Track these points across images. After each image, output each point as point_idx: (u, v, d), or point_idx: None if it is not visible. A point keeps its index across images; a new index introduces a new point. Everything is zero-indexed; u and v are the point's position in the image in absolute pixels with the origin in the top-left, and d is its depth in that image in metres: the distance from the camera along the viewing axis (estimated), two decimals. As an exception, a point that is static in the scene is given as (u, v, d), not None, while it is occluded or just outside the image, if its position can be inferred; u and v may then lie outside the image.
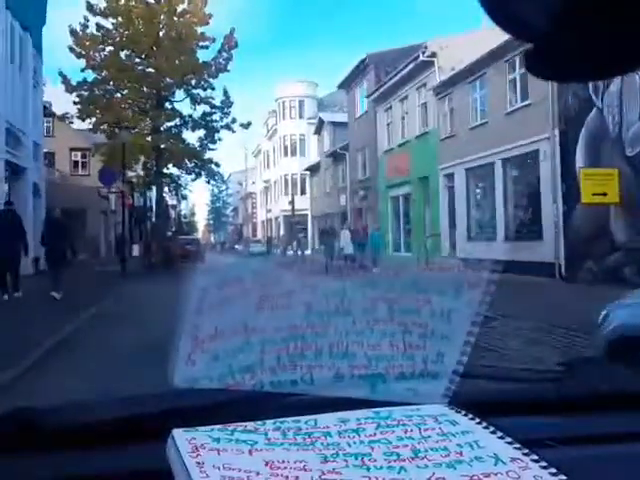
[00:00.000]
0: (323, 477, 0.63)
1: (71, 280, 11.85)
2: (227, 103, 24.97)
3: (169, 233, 43.90)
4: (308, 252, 34.68)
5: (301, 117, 50.31)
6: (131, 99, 24.02)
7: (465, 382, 0.84)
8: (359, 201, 28.89)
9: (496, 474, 0.64)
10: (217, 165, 25.87)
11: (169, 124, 24.60)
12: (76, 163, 34.68)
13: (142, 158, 24.78)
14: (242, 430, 0.73)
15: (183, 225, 78.82)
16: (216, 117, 24.92)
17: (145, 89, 24.23)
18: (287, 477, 0.63)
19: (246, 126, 25.30)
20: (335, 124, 34.55)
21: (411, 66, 21.41)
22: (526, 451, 0.68)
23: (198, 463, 0.65)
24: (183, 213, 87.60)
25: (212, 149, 25.31)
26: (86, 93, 23.90)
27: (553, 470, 0.65)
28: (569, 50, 0.40)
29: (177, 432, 0.71)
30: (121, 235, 19.22)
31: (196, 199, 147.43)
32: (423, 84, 21.55)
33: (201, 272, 0.98)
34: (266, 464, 0.65)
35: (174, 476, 0.66)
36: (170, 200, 78.13)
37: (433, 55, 19.98)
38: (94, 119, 24.10)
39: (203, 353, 0.83)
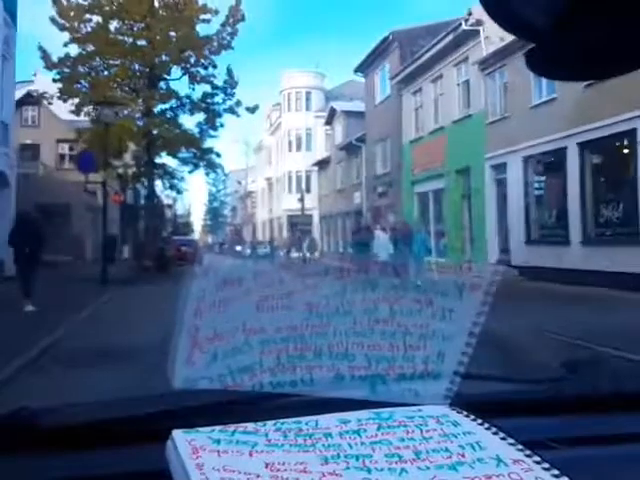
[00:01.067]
0: (324, 479, 0.63)
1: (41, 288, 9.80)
2: (231, 83, 21.66)
3: (164, 233, 40.79)
4: (316, 254, 31.37)
5: (308, 110, 47.08)
6: (120, 77, 20.65)
7: (467, 383, 0.83)
8: (378, 199, 25.61)
9: (498, 476, 0.64)
10: (218, 155, 22.58)
11: (163, 106, 21.30)
12: (63, 156, 31.40)
13: (131, 145, 21.41)
14: (242, 431, 0.73)
15: (179, 225, 75.95)
16: (218, 99, 21.66)
17: (136, 66, 20.93)
18: (287, 479, 0.63)
19: (252, 110, 21.99)
20: (349, 114, 31.24)
21: (449, 38, 18.16)
22: (528, 452, 0.68)
23: (198, 464, 0.64)
24: (179, 213, 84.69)
25: (212, 136, 22.04)
26: (68, 70, 20.60)
27: (555, 472, 0.64)
28: (569, 50, 0.41)
29: (177, 433, 0.71)
30: (104, 234, 15.87)
31: (193, 198, 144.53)
32: (464, 59, 18.31)
33: (201, 275, 0.95)
34: (266, 466, 0.65)
35: (173, 478, 0.66)
36: (166, 199, 75.22)
37: (478, 23, 16.67)
38: (77, 100, 20.80)
39: (203, 354, 0.82)
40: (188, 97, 21.50)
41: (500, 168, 16.22)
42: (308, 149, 46.68)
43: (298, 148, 47.05)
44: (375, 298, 0.92)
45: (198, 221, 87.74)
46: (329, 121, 34.76)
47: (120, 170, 21.30)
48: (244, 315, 0.88)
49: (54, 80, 20.66)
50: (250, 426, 0.74)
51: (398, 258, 15.21)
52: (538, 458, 0.67)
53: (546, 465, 0.65)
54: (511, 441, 0.71)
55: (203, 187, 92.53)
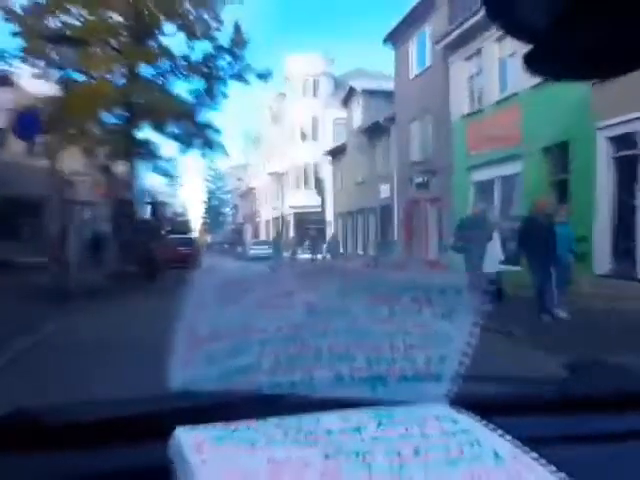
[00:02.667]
0: (324, 474, 0.64)
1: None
2: (239, 42, 17.15)
3: (161, 232, 36.28)
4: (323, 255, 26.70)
5: (315, 97, 42.57)
6: (98, 30, 16.11)
7: (467, 383, 0.83)
8: (415, 191, 21.05)
9: (496, 472, 0.65)
10: (217, 132, 18.00)
11: (152, 70, 16.78)
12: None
13: (107, 116, 16.85)
14: (244, 428, 0.74)
15: (177, 224, 71.28)
16: (222, 62, 17.14)
17: (120, 18, 16.40)
18: (289, 474, 0.64)
19: (264, 77, 17.48)
20: (371, 93, 26.61)
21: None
22: (527, 450, 0.69)
23: (201, 461, 0.65)
24: (177, 211, 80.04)
25: (213, 108, 17.51)
26: (33, 22, 16.04)
27: (554, 469, 0.65)
28: (569, 50, 0.41)
29: (180, 430, 0.72)
30: (59, 228, 11.44)
31: (191, 197, 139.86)
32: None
33: (201, 275, 0.95)
34: (268, 461, 0.66)
35: (177, 475, 0.67)
36: (161, 196, 70.70)
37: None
38: (43, 61, 16.26)
39: (204, 353, 0.82)
40: (185, 58, 16.97)
41: (622, 141, 11.65)
42: (315, 139, 42.22)
43: (304, 139, 42.58)
44: (375, 298, 0.91)
45: (197, 220, 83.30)
46: (345, 102, 30.08)
47: (90, 146, 16.61)
48: (245, 315, 0.87)
49: (14, 34, 16.11)
50: (252, 423, 0.75)
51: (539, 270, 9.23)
52: (537, 455, 0.68)
53: (544, 462, 0.66)
54: (510, 439, 0.71)
55: (200, 185, 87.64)
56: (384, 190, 24.39)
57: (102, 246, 21.44)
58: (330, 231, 32.86)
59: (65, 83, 15.47)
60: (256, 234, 56.69)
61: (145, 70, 16.42)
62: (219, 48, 16.94)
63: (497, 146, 15.70)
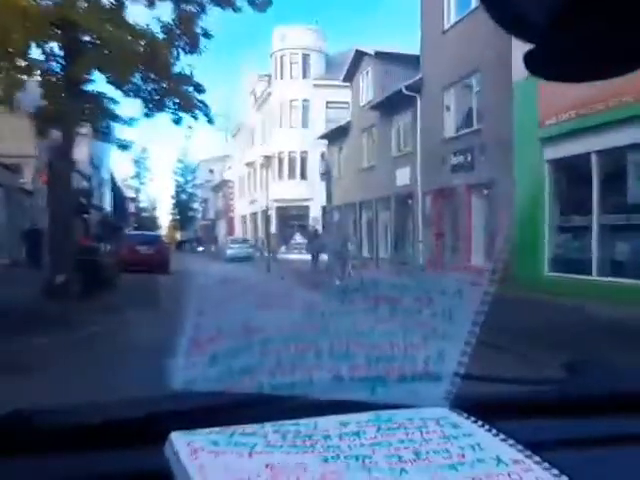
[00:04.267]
0: (324, 479, 0.63)
1: None
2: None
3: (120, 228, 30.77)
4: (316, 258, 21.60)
5: (305, 77, 37.56)
6: None
7: (467, 384, 0.83)
8: (453, 175, 16.25)
9: (498, 476, 0.64)
10: (199, 89, 12.84)
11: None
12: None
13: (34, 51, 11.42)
14: (241, 433, 0.73)
15: (143, 220, 65.47)
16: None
17: None
18: (288, 479, 0.63)
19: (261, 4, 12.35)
20: (385, 57, 21.63)
21: None
22: (528, 453, 0.68)
23: (197, 466, 0.64)
24: (143, 205, 74.09)
25: (190, 51, 12.33)
26: None
27: (556, 472, 0.64)
28: (569, 50, 0.41)
29: (175, 435, 0.71)
30: None
31: (158, 192, 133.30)
32: None
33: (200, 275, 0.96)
34: (266, 467, 0.65)
35: (173, 479, 0.66)
36: (127, 190, 64.86)
37: None
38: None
39: (202, 355, 0.82)
40: (148, -27, 11.76)
41: None
42: (305, 126, 37.23)
43: (293, 125, 37.56)
44: (375, 298, 0.91)
45: (166, 216, 77.39)
46: (350, 75, 25.10)
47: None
48: (244, 316, 0.87)
49: None
50: (249, 427, 0.74)
51: None
52: (538, 459, 0.67)
53: (546, 465, 0.65)
54: (511, 442, 0.71)
55: (170, 178, 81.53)
56: (402, 176, 19.56)
57: (34, 248, 16.18)
58: (319, 228, 27.80)
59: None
60: (230, 231, 51.43)
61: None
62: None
63: (589, 110, 11.02)
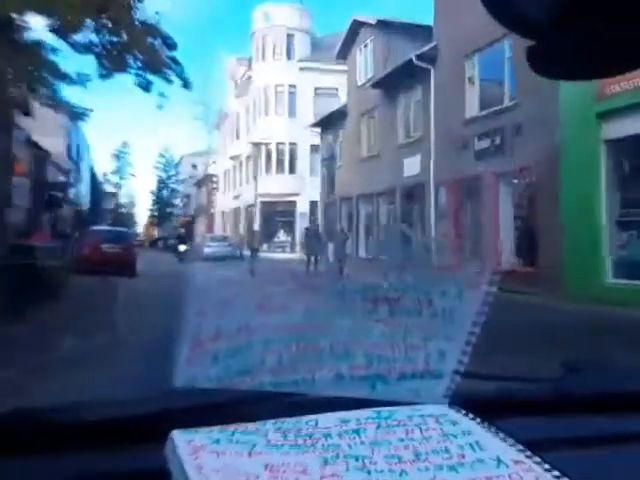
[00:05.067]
0: None
1: None
2: None
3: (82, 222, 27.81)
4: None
5: (289, 58, 34.74)
6: None
7: (466, 382, 0.83)
8: (475, 162, 13.62)
9: (498, 477, 0.63)
10: (168, 43, 10.01)
11: None
12: None
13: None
14: (242, 431, 0.73)
15: (121, 216, 62.11)
16: None
17: None
18: None
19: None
20: (388, 27, 18.78)
21: None
22: (529, 453, 0.68)
23: (197, 465, 0.64)
24: (122, 201, 70.76)
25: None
26: None
27: (556, 472, 0.64)
28: (570, 49, 0.42)
29: (176, 433, 0.71)
30: None
31: (139, 188, 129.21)
32: None
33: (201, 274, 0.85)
34: (266, 467, 0.65)
35: (173, 478, 0.66)
36: (107, 186, 61.38)
37: None
38: None
39: (203, 353, 0.82)
40: None
41: None
42: (292, 114, 34.45)
43: (279, 112, 34.71)
44: (375, 298, 0.91)
45: (145, 213, 74.01)
46: (346, 46, 22.19)
47: None
48: (245, 314, 0.87)
49: None
50: (250, 426, 0.74)
51: None
52: (539, 459, 0.66)
53: (547, 466, 0.65)
54: (511, 441, 0.70)
55: (151, 172, 77.84)
56: (411, 165, 16.90)
57: None
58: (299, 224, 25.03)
59: None
60: (210, 228, 48.45)
61: None
62: None
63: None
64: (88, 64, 9.98)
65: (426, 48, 15.52)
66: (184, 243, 29.55)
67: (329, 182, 19.63)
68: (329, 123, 24.14)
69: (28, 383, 4.12)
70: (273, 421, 0.75)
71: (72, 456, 0.74)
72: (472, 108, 14.12)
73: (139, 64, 9.90)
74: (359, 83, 20.97)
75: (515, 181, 12.80)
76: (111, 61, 9.85)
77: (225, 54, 45.52)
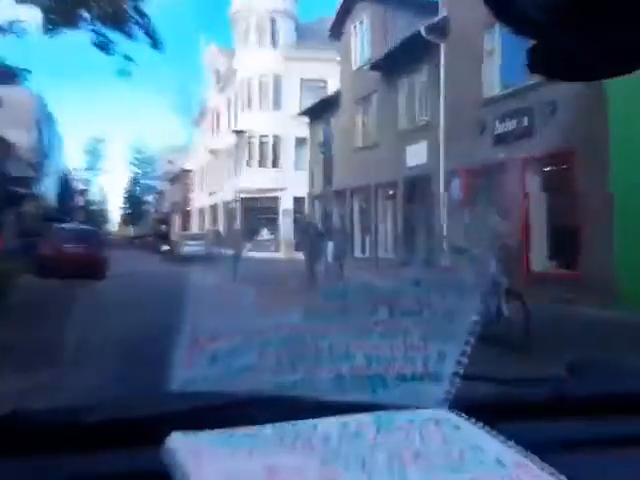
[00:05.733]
0: None
1: None
2: None
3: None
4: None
5: (274, 46, 32.71)
6: None
7: (466, 385, 0.82)
8: (493, 148, 11.87)
9: (499, 478, 0.64)
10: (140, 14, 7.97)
11: None
12: None
13: None
14: (241, 434, 0.72)
15: (92, 214, 59.44)
16: None
17: None
18: None
19: None
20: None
21: None
22: (530, 456, 0.68)
23: (196, 468, 0.64)
24: (93, 199, 67.86)
25: None
26: None
27: (557, 475, 0.64)
28: (570, 49, 0.42)
29: (175, 436, 0.71)
30: None
31: (111, 184, 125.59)
32: None
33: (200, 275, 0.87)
34: (264, 470, 0.64)
35: None
36: (77, 182, 58.62)
37: None
38: None
39: (201, 355, 0.82)
40: None
41: None
42: (277, 106, 32.43)
43: (263, 106, 32.64)
44: (375, 298, 0.90)
45: (118, 211, 71.19)
46: (338, 24, 20.17)
47: None
48: (243, 316, 0.87)
49: None
50: (249, 429, 0.73)
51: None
52: (540, 462, 0.66)
53: (547, 468, 0.65)
54: (511, 444, 0.70)
55: (125, 169, 74.97)
56: (415, 154, 15.10)
57: None
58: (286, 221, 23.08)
59: None
60: (185, 226, 46.22)
61: None
62: None
63: None
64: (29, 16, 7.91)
65: (435, 19, 13.71)
66: (165, 241, 27.43)
67: (326, 172, 17.74)
68: (319, 111, 22.20)
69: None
70: (272, 425, 0.73)
71: (72, 457, 0.73)
72: (492, 86, 12.36)
73: (94, 16, 7.86)
74: (354, 66, 19.09)
75: (547, 169, 11.08)
76: (59, 12, 7.79)
77: (205, 42, 43.31)
